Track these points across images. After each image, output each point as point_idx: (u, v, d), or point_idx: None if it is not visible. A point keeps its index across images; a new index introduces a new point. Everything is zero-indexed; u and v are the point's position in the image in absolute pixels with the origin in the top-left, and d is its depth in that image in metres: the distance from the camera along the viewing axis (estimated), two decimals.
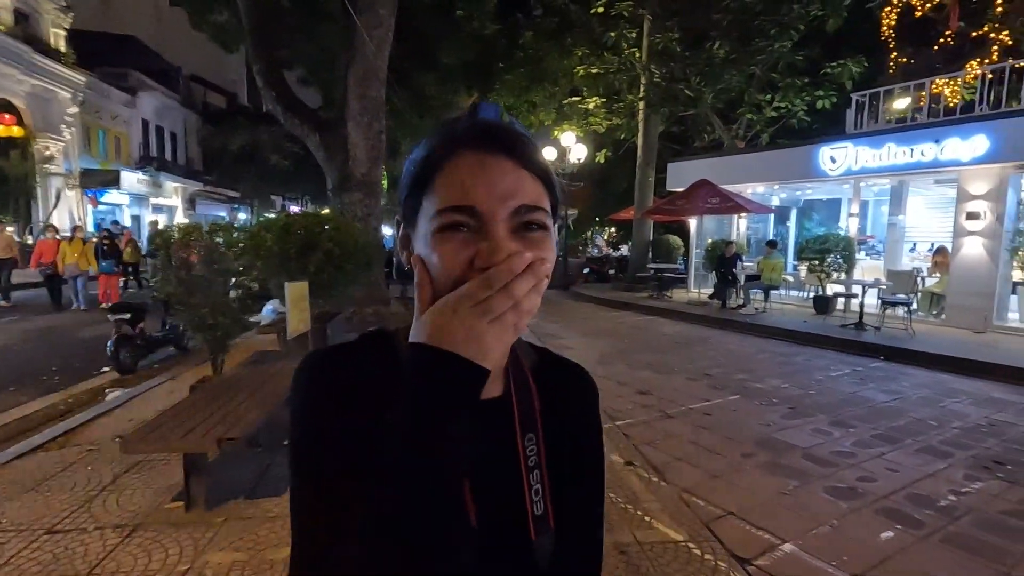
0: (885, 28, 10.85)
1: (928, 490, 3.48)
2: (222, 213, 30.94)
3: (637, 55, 13.99)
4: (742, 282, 10.87)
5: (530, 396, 0.63)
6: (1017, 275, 9.78)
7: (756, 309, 10.58)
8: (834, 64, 11.79)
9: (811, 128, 14.83)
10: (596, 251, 26.80)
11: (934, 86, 10.74)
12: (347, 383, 0.56)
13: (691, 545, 2.75)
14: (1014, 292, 9.58)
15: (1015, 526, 3.07)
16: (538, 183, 0.54)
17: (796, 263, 12.67)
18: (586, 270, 18.47)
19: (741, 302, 10.81)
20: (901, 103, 11.01)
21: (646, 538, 2.80)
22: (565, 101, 15.79)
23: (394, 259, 14.84)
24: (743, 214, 12.28)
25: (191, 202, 29.60)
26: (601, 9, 13.64)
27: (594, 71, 14.25)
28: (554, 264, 0.56)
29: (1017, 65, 9.48)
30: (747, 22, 12.14)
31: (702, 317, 10.37)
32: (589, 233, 34.14)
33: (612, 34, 13.68)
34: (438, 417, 0.46)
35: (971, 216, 9.00)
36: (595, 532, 0.69)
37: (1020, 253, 9.55)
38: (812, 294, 10.92)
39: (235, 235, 5.38)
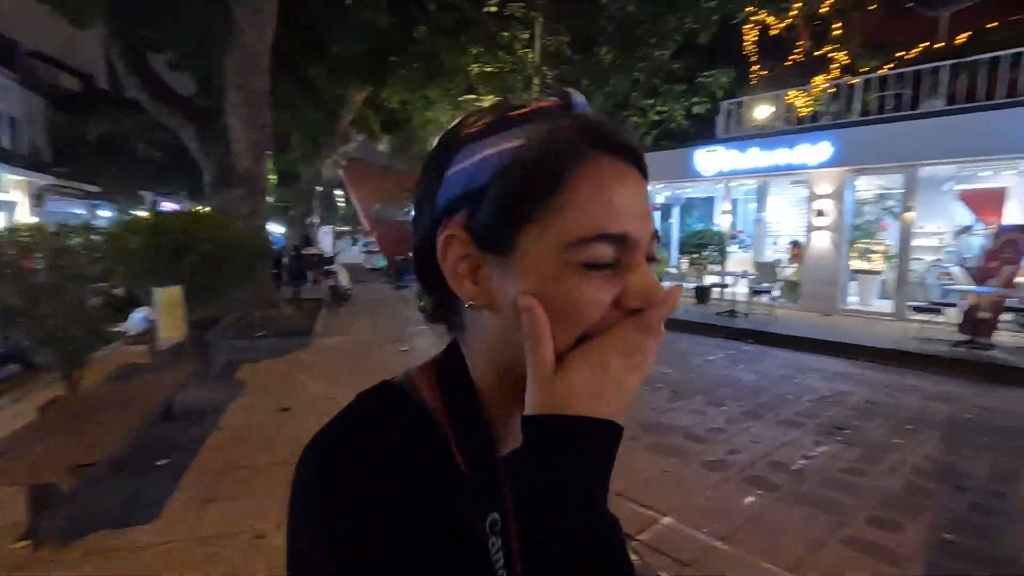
0: (748, 43, 12.09)
1: (784, 457, 3.95)
2: (80, 211, 27.42)
3: (530, 56, 14.34)
4: None
5: None
6: (856, 264, 11.32)
7: None
8: (707, 73, 12.86)
9: (688, 132, 16.08)
10: None
11: (788, 98, 12.08)
12: (390, 481, 0.43)
13: None
14: (854, 279, 11.07)
15: (850, 482, 3.58)
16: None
17: (680, 257, 13.70)
18: None
19: None
20: (762, 112, 12.27)
21: None
22: (461, 98, 15.82)
23: (283, 260, 14.07)
24: None
25: (38, 198, 25.93)
26: (495, 8, 13.79)
27: (489, 70, 14.40)
28: None
29: (852, 81, 10.92)
30: (631, 30, 12.88)
31: None
32: None
33: (505, 34, 13.90)
34: (589, 502, 0.39)
35: (819, 213, 10.25)
36: None
37: (857, 245, 11.08)
38: (694, 285, 11.86)
39: (93, 237, 4.81)
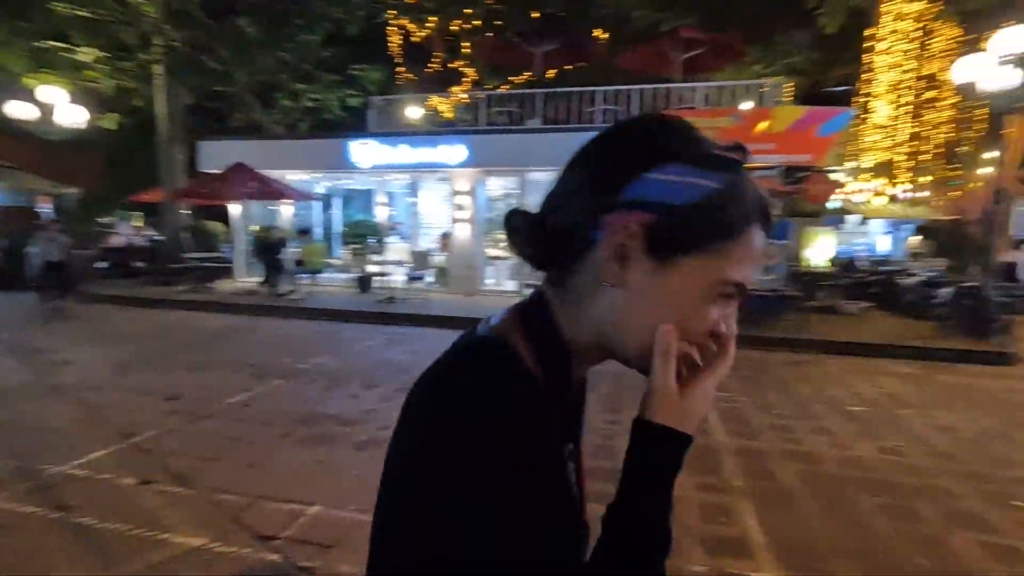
0: (392, 45, 12.85)
1: None
2: None
3: (147, 8, 11.94)
4: (289, 268, 10.97)
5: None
6: (491, 252, 13.38)
7: (305, 294, 10.90)
8: (358, 67, 13.13)
9: (345, 123, 16.14)
10: (126, 239, 21.81)
11: (432, 101, 13.38)
12: (542, 429, 0.50)
13: (214, 545, 2.61)
14: (491, 264, 13.08)
15: None
16: None
17: (343, 248, 13.69)
18: (102, 263, 14.81)
19: (291, 288, 10.91)
20: (410, 111, 13.24)
21: (160, 557, 2.50)
22: (44, 43, 12.07)
23: None
24: (287, 200, 12.32)
25: None
26: None
27: (84, 15, 11.38)
28: None
29: (479, 96, 12.78)
30: (274, 6, 12.09)
31: (251, 306, 9.97)
32: (112, 218, 27.54)
33: None
34: (663, 491, 0.51)
35: (459, 207, 11.70)
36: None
37: (491, 236, 13.09)
38: (355, 275, 12.02)
39: None
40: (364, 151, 11.73)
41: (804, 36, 17.21)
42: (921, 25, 12.65)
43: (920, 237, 16.27)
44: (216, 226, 15.11)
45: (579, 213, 0.53)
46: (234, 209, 12.98)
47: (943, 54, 12.55)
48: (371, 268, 12.15)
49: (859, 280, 11.32)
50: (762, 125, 9.81)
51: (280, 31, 12.14)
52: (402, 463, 0.52)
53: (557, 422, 0.53)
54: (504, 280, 12.82)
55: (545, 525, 0.48)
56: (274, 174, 11.91)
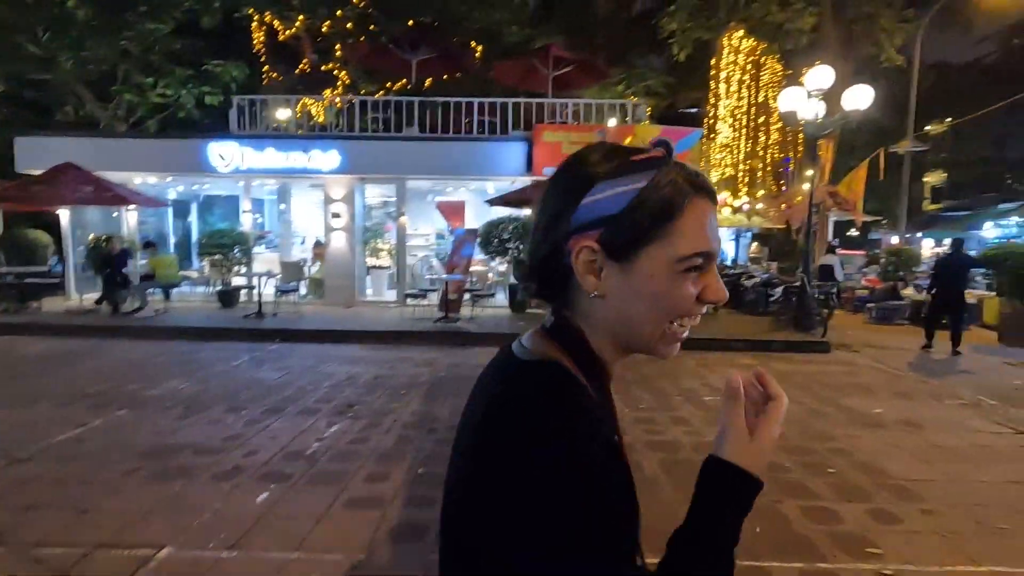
0: (257, 42, 12.00)
1: (300, 444, 4.14)
2: None
3: None
4: (136, 283, 9.76)
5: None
6: (370, 261, 12.99)
7: (156, 311, 9.76)
8: (216, 62, 12.08)
9: (203, 122, 14.75)
10: None
11: (304, 104, 12.69)
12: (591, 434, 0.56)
13: None
14: (368, 274, 12.68)
15: (354, 450, 4.06)
16: None
17: (201, 259, 12.45)
18: None
19: (137, 305, 9.71)
20: (280, 113, 12.45)
21: None
22: None
23: None
24: (131, 206, 10.97)
25: None
26: None
27: None
28: None
29: (354, 100, 12.36)
30: None
31: (87, 327, 8.70)
32: None
33: None
34: (732, 529, 0.59)
35: (335, 215, 11.22)
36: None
37: (370, 245, 12.71)
38: (217, 289, 11.01)
39: None
40: (224, 154, 10.82)
41: (659, 61, 18.94)
42: (752, 59, 14.48)
43: (757, 244, 18.56)
44: (40, 236, 13.00)
45: (547, 246, 0.62)
46: (64, 216, 11.29)
47: (770, 85, 14.45)
48: (237, 281, 11.23)
49: None
50: (628, 140, 10.62)
51: (118, 16, 10.79)
52: (499, 490, 0.54)
53: (604, 420, 0.60)
54: (384, 290, 12.51)
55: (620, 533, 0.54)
56: (116, 176, 10.58)
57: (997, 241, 20.90)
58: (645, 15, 18.95)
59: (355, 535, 2.91)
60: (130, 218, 11.84)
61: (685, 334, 0.63)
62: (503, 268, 12.39)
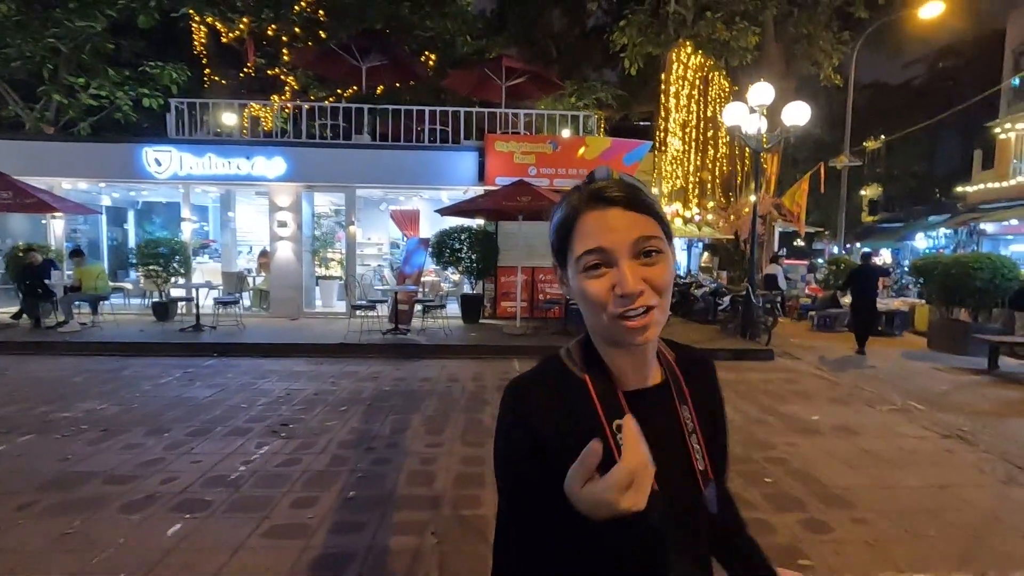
0: (197, 44, 11.51)
1: (224, 469, 3.88)
2: None
3: None
4: (60, 295, 9.13)
5: (678, 379, 0.81)
6: (320, 271, 12.60)
7: (83, 324, 9.15)
8: (153, 63, 11.53)
9: (141, 126, 14.08)
10: None
11: (250, 110, 12.26)
12: (525, 411, 0.74)
13: None
14: (318, 284, 12.30)
15: (283, 473, 3.84)
16: (648, 218, 0.70)
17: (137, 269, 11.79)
18: None
19: (63, 319, 9.08)
20: (223, 117, 11.99)
21: None
22: None
23: None
24: (56, 214, 10.30)
25: None
26: None
27: None
28: (674, 274, 0.74)
29: (306, 106, 12.04)
30: None
31: (2, 344, 8.07)
32: None
33: None
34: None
35: (280, 224, 10.84)
36: (725, 477, 0.92)
37: (319, 254, 12.35)
38: (151, 301, 10.44)
39: None
40: (162, 159, 10.31)
41: (613, 75, 19.31)
42: (700, 75, 14.91)
43: (708, 254, 19.04)
44: None
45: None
46: None
47: (718, 101, 14.91)
48: (177, 292, 10.68)
49: None
50: (580, 151, 10.70)
51: (45, 11, 10.16)
52: None
53: (597, 403, 0.72)
54: (333, 301, 12.16)
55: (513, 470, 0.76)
56: (42, 182, 9.92)
57: (927, 252, 22.16)
58: (598, 30, 19.32)
59: (273, 568, 2.72)
60: (56, 226, 11.11)
61: (635, 322, 0.68)
62: (456, 278, 12.25)
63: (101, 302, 9.45)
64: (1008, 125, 19.43)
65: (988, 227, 19.79)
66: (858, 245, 27.97)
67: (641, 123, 20.33)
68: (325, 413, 5.26)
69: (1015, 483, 3.95)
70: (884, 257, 26.81)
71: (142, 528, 3.06)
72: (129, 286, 11.40)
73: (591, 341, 0.78)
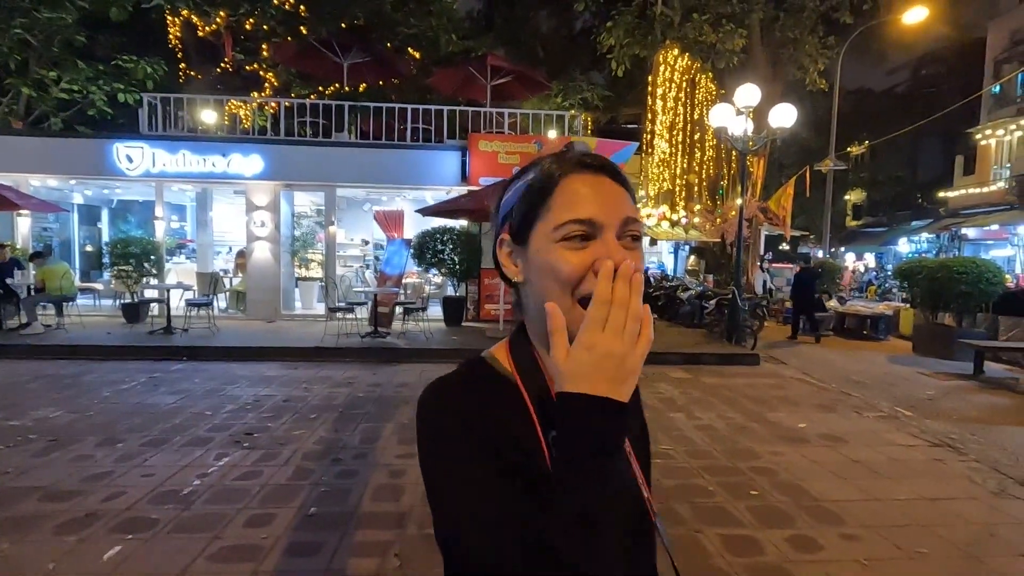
0: (172, 38, 11.18)
1: (177, 483, 3.62)
2: None
3: None
4: (24, 296, 8.76)
5: None
6: (301, 272, 12.29)
7: (47, 327, 8.78)
8: (127, 57, 11.17)
9: (116, 122, 13.67)
10: None
11: (229, 107, 11.94)
12: (463, 411, 0.62)
13: None
14: (297, 286, 11.99)
15: (241, 488, 3.59)
16: (630, 199, 0.63)
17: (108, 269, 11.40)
18: None
19: (26, 320, 8.70)
20: (201, 114, 11.65)
21: None
22: None
23: None
24: (21, 211, 9.92)
25: None
26: None
27: None
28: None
29: (287, 104, 11.73)
30: None
31: None
32: None
33: None
34: (599, 462, 0.51)
35: (258, 223, 10.53)
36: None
37: (299, 255, 12.03)
38: (121, 302, 10.08)
39: None
40: (134, 155, 9.97)
41: (600, 77, 19.21)
42: (687, 77, 14.85)
43: (695, 257, 18.99)
44: None
45: (494, 244, 0.70)
46: None
47: (704, 104, 14.84)
48: (150, 293, 10.32)
49: (648, 294, 12.74)
50: None
51: (10, 2, 9.78)
52: None
53: (532, 409, 0.63)
54: (314, 303, 11.86)
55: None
56: (8, 178, 9.57)
57: (910, 256, 22.33)
58: (585, 31, 19.22)
59: None
60: (22, 224, 10.71)
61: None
62: (439, 280, 12.02)
63: (67, 303, 9.08)
64: (988, 131, 19.66)
65: (969, 232, 20.00)
66: (842, 249, 28.19)
67: (628, 125, 20.25)
68: (293, 421, 5.00)
69: (1007, 495, 3.82)
70: (867, 261, 27.05)
71: (76, 552, 2.80)
72: (100, 287, 11.00)
73: (521, 342, 0.69)
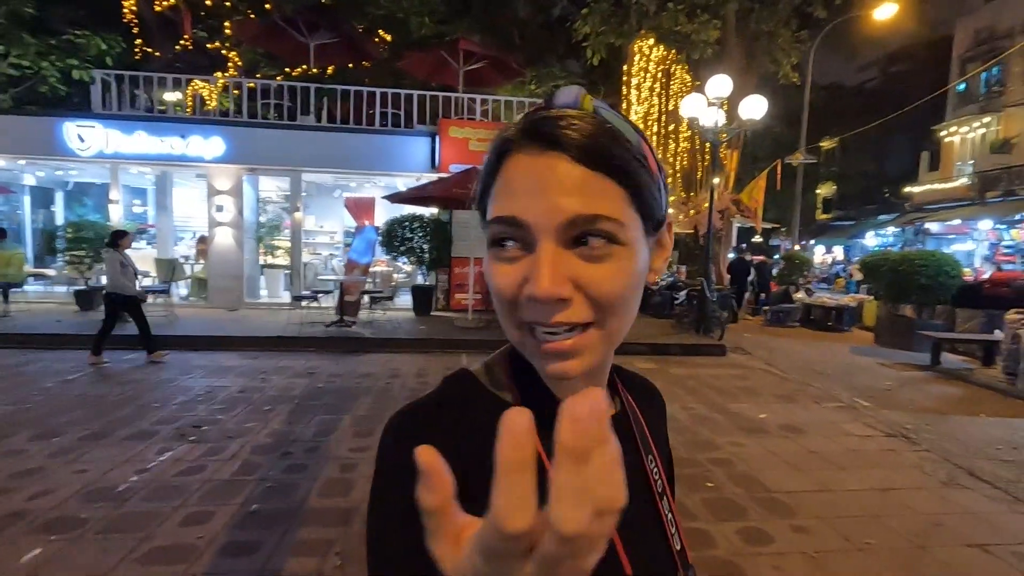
0: (128, 12, 10.66)
1: (111, 480, 3.44)
2: None
3: None
4: None
5: (639, 420, 0.58)
6: (265, 260, 11.97)
7: None
8: (79, 32, 10.62)
9: (71, 99, 13.04)
10: None
11: (193, 86, 11.46)
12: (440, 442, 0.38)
13: None
14: (263, 273, 11.68)
15: (179, 483, 3.43)
16: (609, 183, 0.44)
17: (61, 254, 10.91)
18: None
19: None
20: (163, 94, 11.16)
21: None
22: None
23: None
24: None
25: None
26: None
27: None
28: (640, 284, 0.48)
29: (250, 85, 11.32)
30: None
31: None
32: None
33: None
34: None
35: (219, 208, 10.18)
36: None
37: (264, 241, 11.72)
38: (75, 288, 9.66)
39: None
40: (85, 135, 9.52)
41: (577, 65, 19.06)
42: (662, 68, 14.82)
43: None
44: None
45: None
46: None
47: (679, 95, 14.84)
48: (103, 280, 9.90)
49: None
50: None
51: None
52: None
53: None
54: (280, 291, 11.58)
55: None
56: None
57: (877, 249, 22.85)
58: (562, 19, 19.02)
59: None
60: None
61: (552, 344, 0.45)
62: (409, 268, 11.83)
63: (12, 290, 8.66)
64: (953, 128, 20.16)
65: (933, 226, 20.54)
66: (812, 242, 28.73)
67: None
68: (246, 413, 4.83)
69: (956, 484, 3.88)
70: (837, 254, 27.64)
71: None
72: (52, 273, 10.54)
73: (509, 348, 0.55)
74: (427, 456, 0.25)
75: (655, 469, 0.56)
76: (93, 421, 4.49)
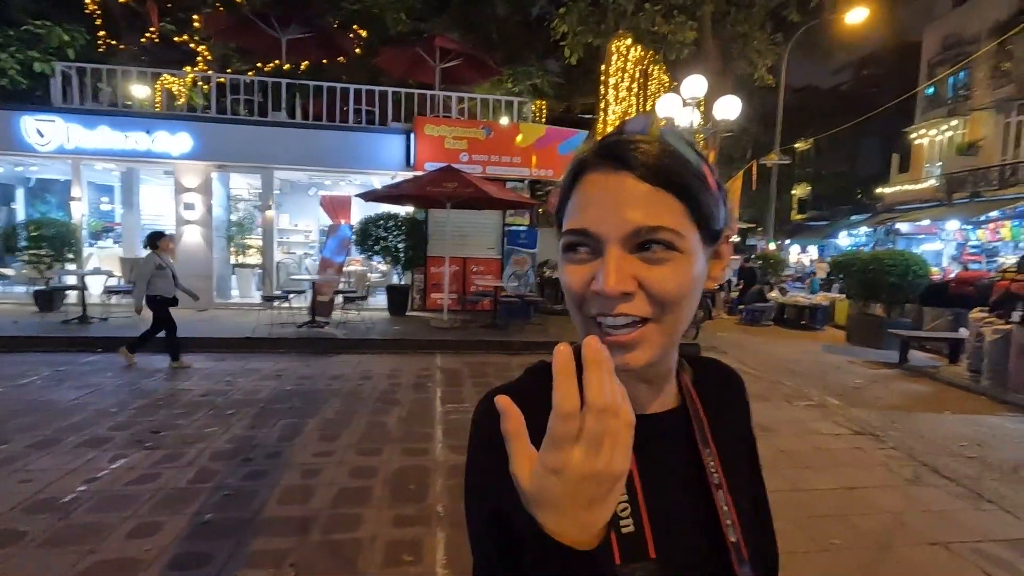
0: (91, 3, 10.30)
1: (57, 490, 3.28)
2: None
3: None
4: None
5: (698, 411, 0.61)
6: (237, 259, 11.70)
7: None
8: (39, 22, 10.24)
9: (33, 93, 12.60)
10: None
11: (162, 81, 11.14)
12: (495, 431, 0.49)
13: None
14: (234, 273, 11.41)
15: (130, 493, 3.28)
16: (670, 199, 0.51)
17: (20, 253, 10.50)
18: None
19: None
20: (130, 88, 10.83)
21: None
22: None
23: None
24: None
25: None
26: None
27: None
28: (697, 288, 0.54)
29: (220, 80, 11.04)
30: None
31: None
32: None
33: None
34: None
35: (187, 206, 9.91)
36: (773, 547, 0.70)
37: (235, 240, 11.45)
38: (35, 288, 9.31)
39: None
40: (44, 129, 9.18)
41: (556, 65, 19.06)
42: (640, 68, 14.87)
43: None
44: None
45: None
46: None
47: (657, 95, 14.91)
48: (70, 280, 9.57)
49: None
50: (518, 139, 10.34)
51: None
52: None
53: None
54: (252, 290, 11.33)
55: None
56: None
57: (850, 248, 23.29)
58: (541, 18, 19.00)
59: None
60: None
61: (615, 336, 0.51)
62: (385, 268, 11.67)
63: None
64: (923, 131, 20.63)
65: (903, 227, 20.99)
66: (788, 242, 29.17)
67: (584, 115, 20.21)
68: (207, 418, 4.67)
69: (920, 482, 3.92)
70: (812, 254, 28.11)
71: None
72: (11, 272, 10.15)
73: None
74: (504, 401, 0.41)
75: (712, 462, 0.59)
76: (44, 427, 4.29)
